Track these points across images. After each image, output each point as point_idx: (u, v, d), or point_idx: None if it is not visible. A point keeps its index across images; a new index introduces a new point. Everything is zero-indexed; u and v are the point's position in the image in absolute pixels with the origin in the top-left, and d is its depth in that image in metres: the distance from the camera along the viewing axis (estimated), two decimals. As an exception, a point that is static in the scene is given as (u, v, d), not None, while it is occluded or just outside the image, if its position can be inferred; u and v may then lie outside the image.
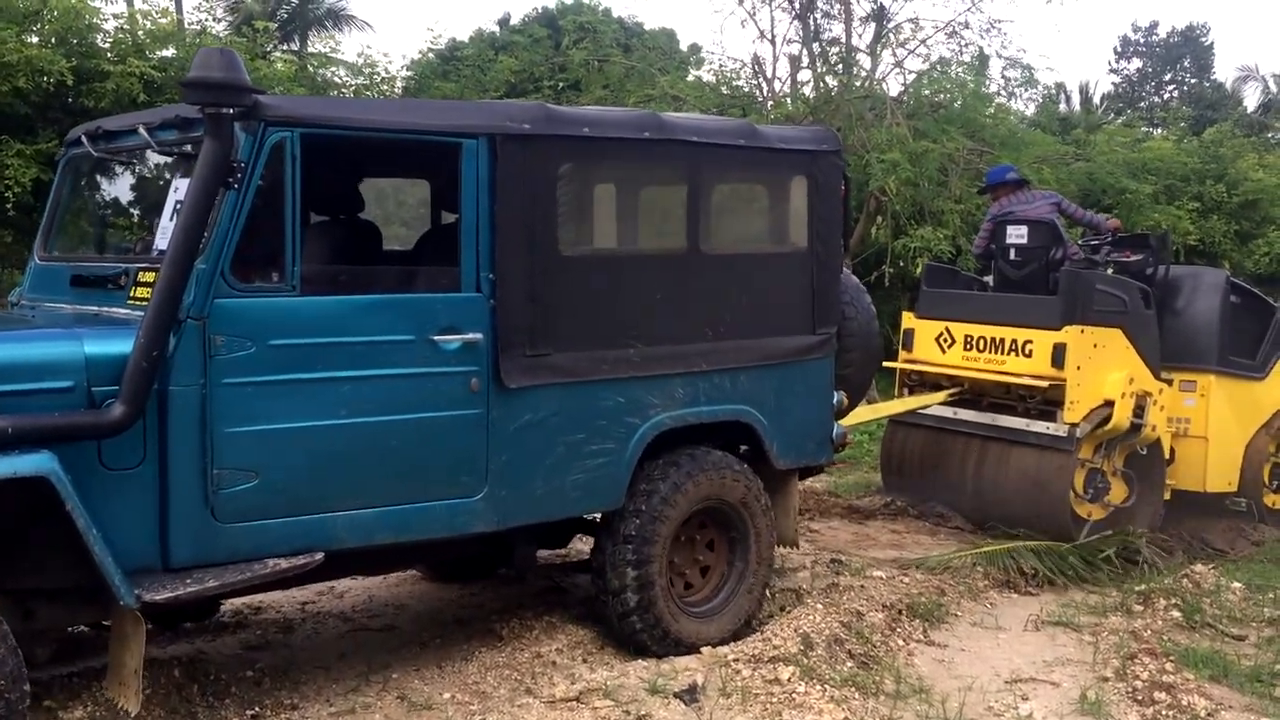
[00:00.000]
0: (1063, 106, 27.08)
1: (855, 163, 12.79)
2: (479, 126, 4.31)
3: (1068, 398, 7.15)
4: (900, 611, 5.59)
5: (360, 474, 4.06)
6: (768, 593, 5.83)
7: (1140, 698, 4.77)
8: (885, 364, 8.80)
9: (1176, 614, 5.93)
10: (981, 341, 7.65)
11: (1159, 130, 24.02)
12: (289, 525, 3.93)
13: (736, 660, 4.81)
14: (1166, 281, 7.99)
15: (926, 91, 13.62)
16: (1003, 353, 7.53)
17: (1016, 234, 7.95)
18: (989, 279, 8.46)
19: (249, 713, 4.25)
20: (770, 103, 13.82)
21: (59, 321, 4.15)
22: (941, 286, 8.27)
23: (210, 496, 3.77)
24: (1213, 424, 7.85)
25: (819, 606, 5.34)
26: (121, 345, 3.67)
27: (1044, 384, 7.20)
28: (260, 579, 3.86)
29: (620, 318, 4.70)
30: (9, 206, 10.03)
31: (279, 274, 3.93)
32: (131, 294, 4.02)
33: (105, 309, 4.09)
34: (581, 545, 5.90)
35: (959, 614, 5.88)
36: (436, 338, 4.21)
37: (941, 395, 7.82)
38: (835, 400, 5.62)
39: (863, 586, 5.91)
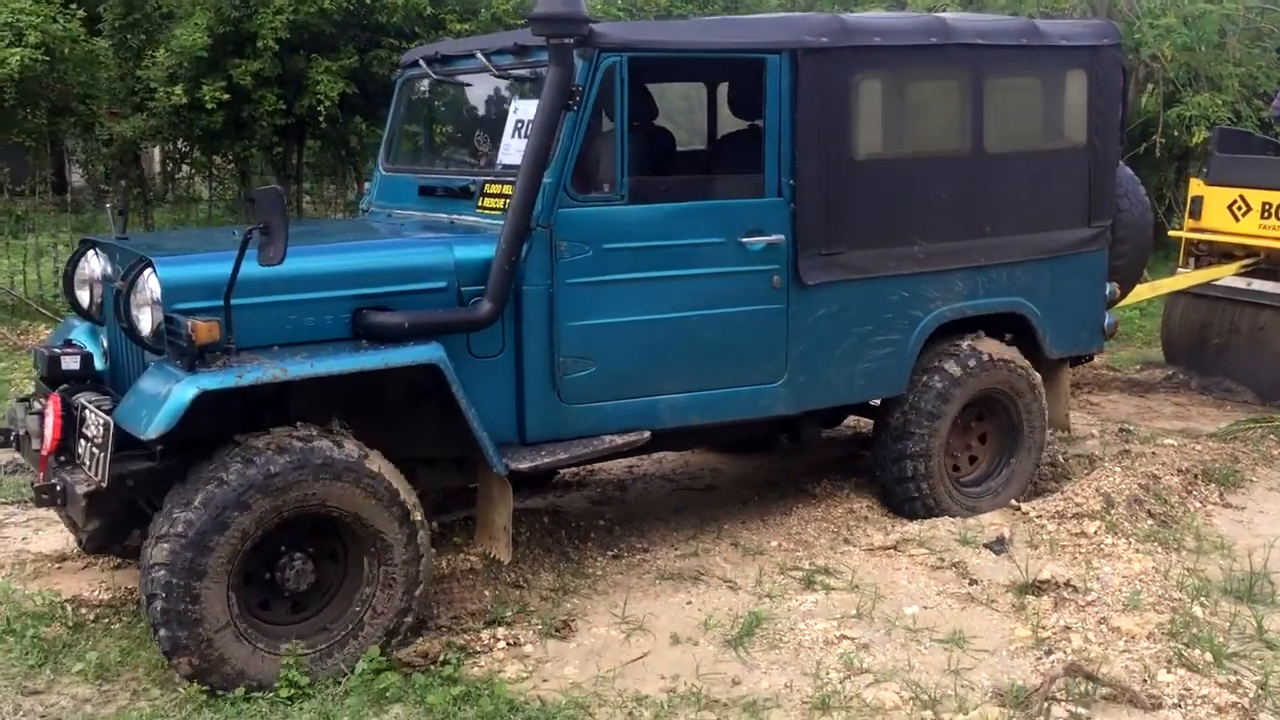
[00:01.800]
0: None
1: (1125, 31, 12.37)
2: (782, 43, 4.62)
3: None
4: (1195, 476, 5.78)
5: (678, 362, 4.55)
6: (1060, 458, 6.13)
7: None
8: (1171, 234, 8.70)
9: None
10: None
11: None
12: (620, 407, 4.46)
13: (1039, 516, 5.18)
14: None
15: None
16: None
17: None
18: None
19: (609, 553, 4.93)
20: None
21: (423, 230, 4.64)
22: (1236, 151, 7.95)
23: (557, 381, 4.32)
24: None
25: (1116, 469, 5.62)
26: (483, 250, 4.18)
27: None
28: (599, 453, 4.44)
29: (906, 217, 4.98)
30: (321, 119, 11.05)
31: (610, 185, 4.38)
32: (480, 203, 4.53)
33: (457, 216, 4.61)
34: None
35: (1254, 479, 6.00)
36: (744, 240, 4.60)
37: (1234, 266, 7.64)
38: (1108, 291, 5.77)
39: (1154, 453, 6.11)
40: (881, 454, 5.26)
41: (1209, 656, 3.94)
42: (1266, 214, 7.48)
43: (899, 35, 4.94)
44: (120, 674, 3.89)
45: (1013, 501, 5.39)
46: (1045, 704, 3.61)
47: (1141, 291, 8.10)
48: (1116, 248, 5.76)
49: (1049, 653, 4.01)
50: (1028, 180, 5.31)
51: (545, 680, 3.91)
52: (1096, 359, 8.68)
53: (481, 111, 5.20)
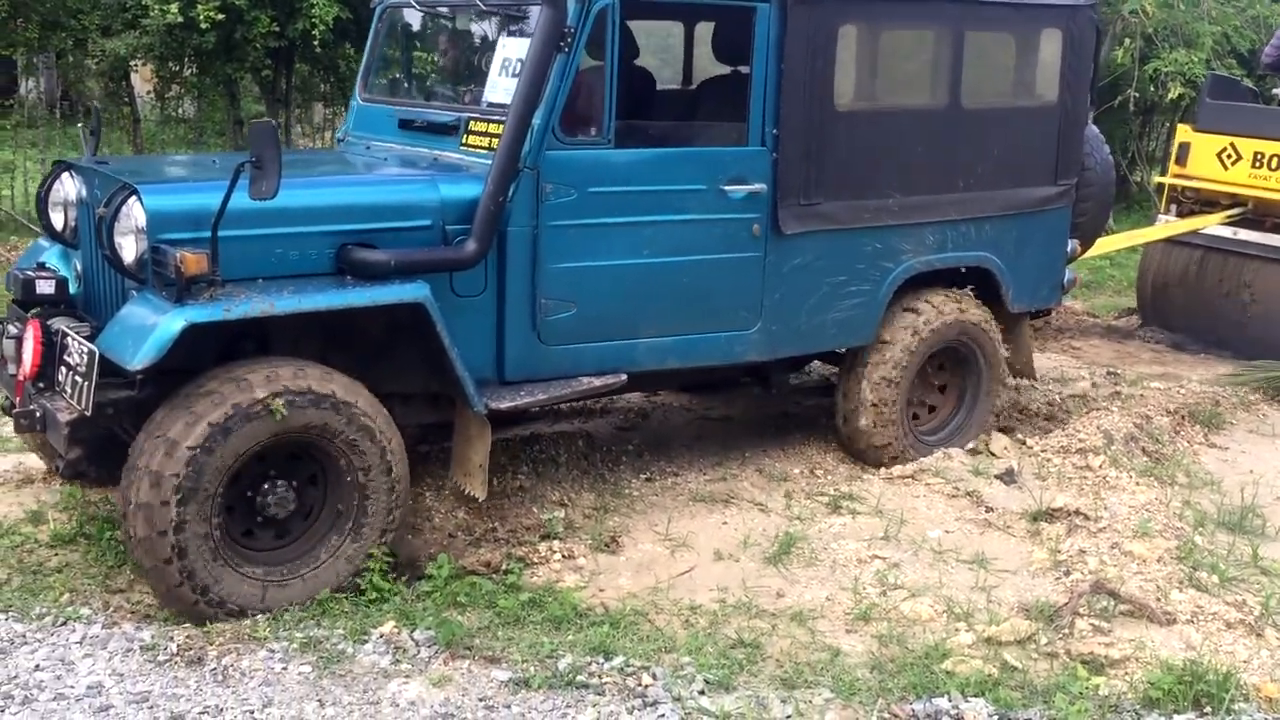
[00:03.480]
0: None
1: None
2: None
3: None
4: (1183, 417, 6.13)
5: (658, 306, 4.60)
6: (1057, 397, 6.47)
7: None
8: (1157, 179, 8.76)
9: None
10: (1275, 159, 7.37)
11: None
12: (600, 349, 4.51)
13: (1044, 451, 5.50)
14: None
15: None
16: None
17: None
18: (1277, 91, 8.12)
19: (642, 476, 5.17)
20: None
21: (404, 165, 4.59)
22: (1226, 99, 7.88)
23: (538, 322, 4.34)
24: None
25: (1113, 409, 5.95)
26: (469, 189, 4.16)
27: None
28: (577, 394, 4.51)
29: (883, 170, 5.03)
30: (315, 44, 10.99)
31: (598, 129, 4.38)
32: (464, 140, 4.47)
33: (440, 153, 4.55)
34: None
35: (1235, 422, 6.36)
36: (726, 187, 4.64)
37: (1220, 216, 7.62)
38: (1069, 248, 5.89)
39: (1143, 395, 6.46)
40: (846, 402, 5.35)
41: (1215, 579, 4.28)
42: (1258, 163, 7.44)
43: None
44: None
45: (1017, 435, 5.71)
46: (1071, 618, 3.93)
47: (1122, 239, 8.33)
48: (1079, 205, 5.86)
49: (1067, 573, 4.33)
50: (1000, 136, 5.39)
51: (602, 590, 4.16)
52: (1076, 305, 9.08)
53: (466, 46, 5.17)
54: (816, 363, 6.05)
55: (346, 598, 3.87)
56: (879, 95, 5.29)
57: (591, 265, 4.43)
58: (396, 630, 3.70)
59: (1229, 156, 7.62)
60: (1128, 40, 12.86)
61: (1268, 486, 5.37)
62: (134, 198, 3.75)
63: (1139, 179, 13.81)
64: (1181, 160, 7.88)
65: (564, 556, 4.34)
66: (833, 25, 4.79)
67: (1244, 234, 7.59)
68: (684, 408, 6.24)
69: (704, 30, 5.75)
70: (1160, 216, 8.25)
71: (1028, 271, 5.63)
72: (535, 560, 4.30)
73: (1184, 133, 7.94)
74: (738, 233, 4.71)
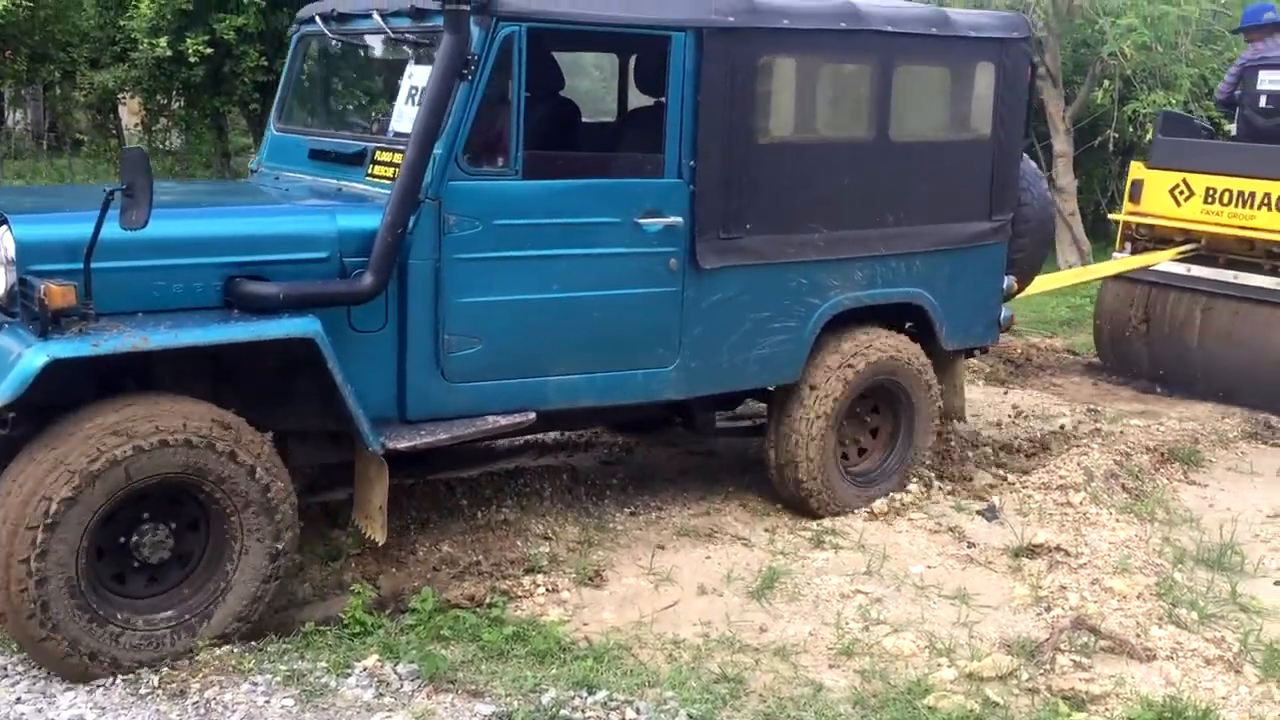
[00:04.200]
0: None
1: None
2: (688, 20, 4.51)
3: None
4: (1163, 455, 6.19)
5: (569, 343, 4.44)
6: (1039, 434, 6.51)
7: (1402, 531, 5.32)
8: (1111, 216, 8.82)
9: None
10: (1226, 195, 7.31)
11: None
12: (507, 386, 4.35)
13: (1026, 487, 5.55)
14: None
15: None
16: (1252, 207, 7.22)
17: (1270, 80, 7.50)
18: (1231, 128, 8.07)
19: (626, 510, 5.19)
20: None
21: (309, 196, 4.47)
22: (1179, 135, 7.86)
23: (441, 359, 4.18)
24: None
25: (1094, 446, 6.00)
26: (368, 220, 4.01)
27: None
28: (482, 433, 4.33)
29: (808, 204, 4.89)
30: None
31: (504, 159, 4.23)
32: (369, 170, 4.36)
33: (345, 183, 4.43)
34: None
35: (1213, 460, 6.43)
36: (640, 220, 4.49)
37: (1171, 252, 7.55)
38: (1005, 284, 5.76)
39: (1122, 432, 6.52)
40: (773, 441, 5.19)
41: (1194, 616, 4.32)
42: (1210, 199, 7.40)
43: (808, 18, 4.82)
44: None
45: (999, 471, 5.75)
46: (1053, 654, 3.95)
47: (1080, 273, 8.23)
48: (1016, 241, 5.74)
49: (1048, 609, 4.36)
50: (931, 171, 5.29)
51: (586, 624, 4.16)
52: (1058, 342, 9.16)
53: (376, 74, 5.09)
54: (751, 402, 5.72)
55: (330, 630, 3.87)
56: (803, 128, 5.21)
57: (498, 300, 4.29)
58: (380, 663, 3.69)
59: (1181, 193, 7.59)
60: (1107, 82, 13.07)
61: (1245, 524, 5.43)
62: (3, 227, 3.61)
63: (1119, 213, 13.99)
64: (1135, 197, 7.86)
65: (548, 590, 4.34)
66: (753, 56, 4.68)
67: (1197, 270, 7.57)
68: (668, 443, 6.26)
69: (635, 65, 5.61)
70: (1115, 254, 8.16)
71: (962, 309, 5.52)
72: (519, 594, 4.30)
73: (1137, 170, 7.93)
74: (654, 267, 4.59)
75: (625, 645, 3.99)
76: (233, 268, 3.84)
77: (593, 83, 6.24)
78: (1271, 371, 7.14)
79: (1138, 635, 4.12)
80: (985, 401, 7.40)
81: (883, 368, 5.24)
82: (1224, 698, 3.80)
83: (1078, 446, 6.10)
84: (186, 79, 10.65)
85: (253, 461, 3.69)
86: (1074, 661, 3.94)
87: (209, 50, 10.34)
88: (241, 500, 3.71)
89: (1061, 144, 12.86)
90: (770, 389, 5.18)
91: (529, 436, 5.91)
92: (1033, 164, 6.03)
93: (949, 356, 5.69)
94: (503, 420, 4.35)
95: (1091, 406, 7.27)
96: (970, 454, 5.99)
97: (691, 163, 4.58)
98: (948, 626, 4.24)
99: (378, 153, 4.37)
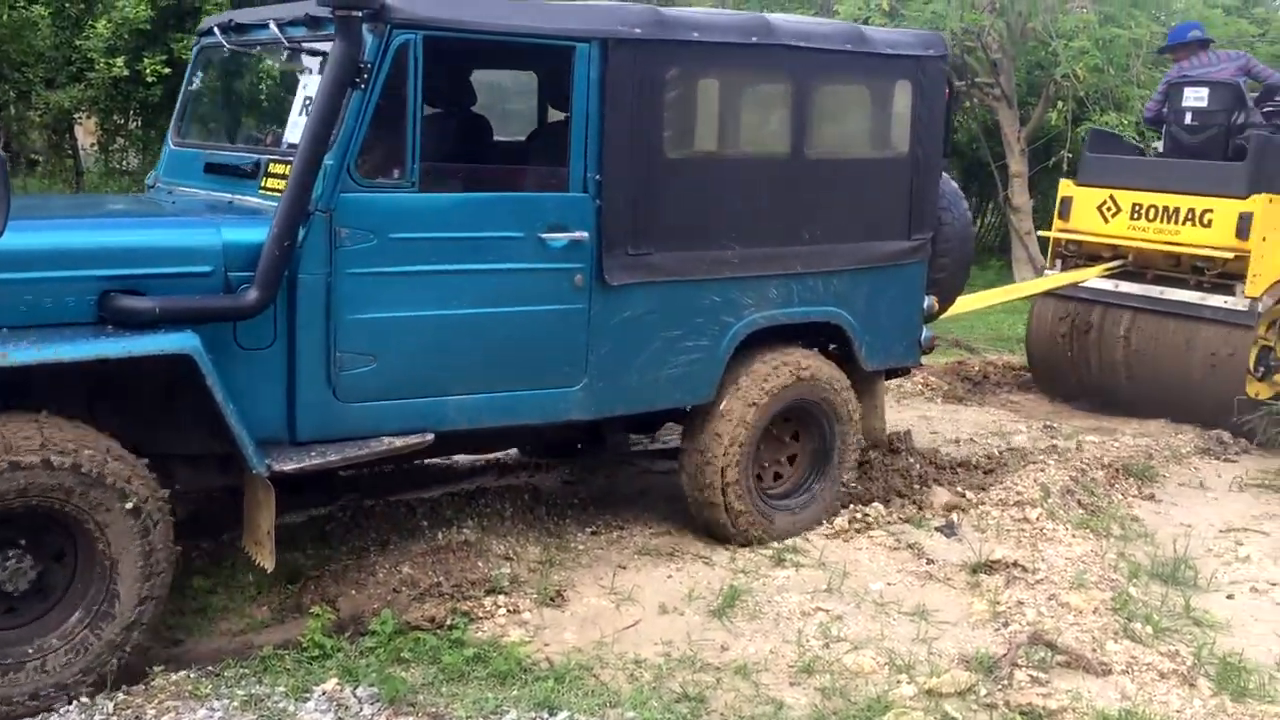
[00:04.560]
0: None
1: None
2: (592, 30, 4.42)
3: (1250, 270, 6.91)
4: (1118, 470, 6.28)
5: (470, 362, 4.31)
6: (996, 451, 6.58)
7: (1349, 544, 5.42)
8: (1040, 234, 8.82)
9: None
10: (1151, 210, 7.36)
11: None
12: (404, 406, 4.21)
13: (983, 504, 5.60)
14: None
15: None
16: (1177, 222, 7.25)
17: (1195, 96, 7.56)
18: (1157, 145, 8.08)
19: (588, 529, 5.19)
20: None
21: (196, 209, 4.35)
22: (1106, 152, 7.92)
23: (333, 377, 4.04)
24: None
25: (1050, 462, 6.08)
26: (255, 233, 3.87)
27: (1226, 255, 6.98)
28: (376, 455, 4.18)
29: (721, 220, 4.81)
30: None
31: (400, 170, 4.13)
32: (263, 184, 4.23)
33: (238, 197, 4.31)
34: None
35: (1167, 475, 6.53)
36: (544, 235, 4.38)
37: (1099, 269, 7.59)
38: (926, 304, 5.66)
39: (1078, 448, 6.60)
40: (687, 464, 5.05)
41: (1150, 630, 4.38)
42: (1136, 214, 7.46)
43: (718, 32, 4.74)
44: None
45: (958, 488, 5.81)
46: (1010, 669, 3.99)
47: (1013, 290, 8.10)
48: (937, 261, 5.66)
49: (1006, 625, 4.40)
50: (848, 188, 5.21)
51: (547, 644, 4.15)
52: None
53: (273, 87, 4.94)
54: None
55: (288, 654, 3.84)
56: (715, 143, 5.13)
57: (393, 316, 4.15)
58: (339, 687, 3.67)
59: (1109, 209, 7.64)
60: (1061, 103, 13.30)
61: (1199, 538, 5.51)
62: None
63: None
64: (1064, 214, 7.90)
65: (509, 611, 4.33)
66: (661, 69, 4.58)
67: (1125, 286, 7.61)
68: (629, 462, 6.27)
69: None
70: (1046, 271, 8.20)
71: (882, 328, 5.43)
72: (480, 615, 4.28)
73: (1066, 187, 7.97)
74: (558, 283, 4.46)
75: (586, 665, 3.99)
76: (108, 281, 3.68)
77: (521, 103, 6.20)
78: (1197, 386, 7.18)
79: (1094, 650, 4.17)
80: (944, 419, 7.48)
81: (800, 389, 5.12)
82: (1178, 711, 3.85)
83: (1035, 463, 6.17)
84: (144, 99, 10.55)
85: (123, 485, 3.54)
86: (1031, 676, 3.98)
87: (167, 70, 10.25)
88: (112, 527, 3.54)
89: (1017, 164, 13.06)
90: (685, 410, 5.04)
91: (491, 456, 5.94)
92: (954, 183, 5.99)
93: (870, 378, 5.59)
94: (398, 441, 4.20)
95: (1048, 423, 7.36)
96: (930, 471, 6.03)
97: (597, 177, 4.48)
98: (907, 643, 4.27)
99: (271, 165, 4.25)
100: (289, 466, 3.91)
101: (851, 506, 5.47)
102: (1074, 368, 7.95)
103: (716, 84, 5.01)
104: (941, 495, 5.68)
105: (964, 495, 5.72)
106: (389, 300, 4.14)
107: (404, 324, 4.18)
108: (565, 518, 5.29)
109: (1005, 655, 4.06)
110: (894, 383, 8.27)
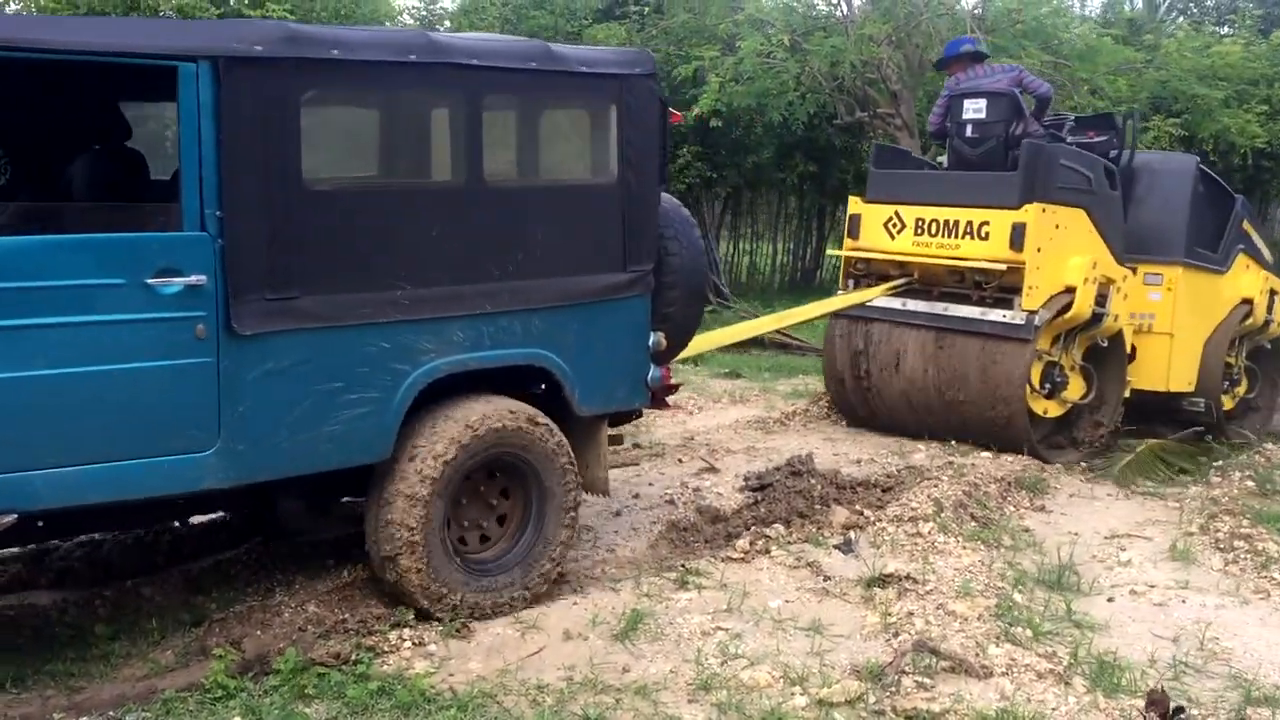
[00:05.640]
0: (1127, 5, 27.08)
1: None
2: (199, 49, 3.91)
3: (1026, 282, 6.82)
4: (1009, 484, 6.54)
5: (63, 429, 3.72)
6: (895, 470, 6.80)
7: (1222, 545, 5.72)
8: (829, 252, 8.56)
9: (1250, 484, 6.83)
10: (934, 225, 7.21)
11: (1225, 30, 24.11)
12: None
13: (879, 520, 5.80)
14: (1131, 167, 7.58)
15: (1002, 3, 14.13)
16: (956, 236, 7.12)
17: (974, 108, 7.43)
18: (942, 159, 7.96)
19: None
20: (850, 22, 14.39)
21: None
22: (891, 168, 7.76)
23: None
24: (1178, 319, 7.53)
25: (943, 479, 6.31)
26: None
27: (1001, 267, 6.85)
28: None
29: (384, 257, 4.33)
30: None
31: None
32: None
33: None
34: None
35: (1058, 487, 6.80)
36: (152, 281, 3.84)
37: (883, 287, 7.45)
38: (652, 341, 5.17)
39: (974, 465, 6.85)
40: (370, 527, 4.56)
41: (1029, 633, 4.59)
42: (920, 230, 7.27)
43: (368, 49, 4.29)
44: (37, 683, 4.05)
45: (856, 507, 6.00)
46: (897, 676, 4.16)
47: (799, 312, 7.74)
48: (665, 294, 5.22)
49: (896, 634, 4.58)
50: (546, 219, 4.76)
51: (452, 675, 4.24)
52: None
53: None
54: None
55: (192, 696, 3.89)
56: (370, 171, 4.72)
57: None
58: (243, 725, 3.73)
59: (895, 225, 7.48)
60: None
61: (1084, 545, 5.76)
62: None
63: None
64: (854, 232, 7.70)
65: (414, 644, 4.41)
66: (293, 91, 4.08)
67: (913, 304, 7.46)
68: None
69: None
70: (839, 291, 8.02)
71: (598, 370, 4.95)
72: (386, 649, 4.36)
73: (855, 204, 7.79)
74: (175, 335, 3.90)
75: (490, 693, 4.08)
76: None
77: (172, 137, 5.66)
78: (983, 403, 7.12)
79: (976, 654, 4.36)
80: (847, 440, 7.71)
81: (499, 440, 4.62)
82: (1054, 709, 4.04)
83: (930, 479, 6.40)
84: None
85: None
86: (917, 682, 4.16)
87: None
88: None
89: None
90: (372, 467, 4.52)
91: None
92: (684, 211, 5.55)
93: (589, 424, 5.09)
94: None
95: (946, 442, 7.60)
96: (830, 491, 6.22)
97: (218, 213, 3.94)
98: (802, 656, 4.43)
99: None
100: None
101: (754, 529, 5.65)
102: (861, 390, 7.77)
103: (367, 106, 4.63)
104: (840, 514, 5.88)
105: (862, 513, 5.92)
106: None
107: None
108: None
109: (892, 663, 4.23)
110: (801, 406, 8.56)
